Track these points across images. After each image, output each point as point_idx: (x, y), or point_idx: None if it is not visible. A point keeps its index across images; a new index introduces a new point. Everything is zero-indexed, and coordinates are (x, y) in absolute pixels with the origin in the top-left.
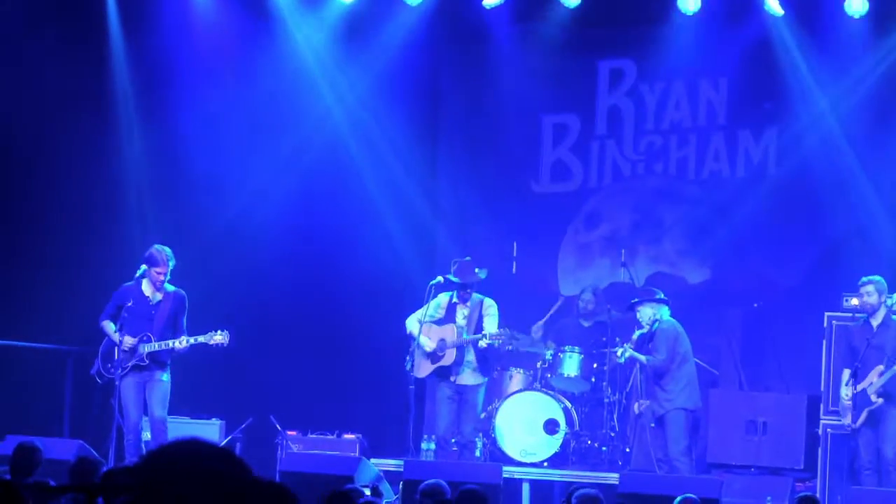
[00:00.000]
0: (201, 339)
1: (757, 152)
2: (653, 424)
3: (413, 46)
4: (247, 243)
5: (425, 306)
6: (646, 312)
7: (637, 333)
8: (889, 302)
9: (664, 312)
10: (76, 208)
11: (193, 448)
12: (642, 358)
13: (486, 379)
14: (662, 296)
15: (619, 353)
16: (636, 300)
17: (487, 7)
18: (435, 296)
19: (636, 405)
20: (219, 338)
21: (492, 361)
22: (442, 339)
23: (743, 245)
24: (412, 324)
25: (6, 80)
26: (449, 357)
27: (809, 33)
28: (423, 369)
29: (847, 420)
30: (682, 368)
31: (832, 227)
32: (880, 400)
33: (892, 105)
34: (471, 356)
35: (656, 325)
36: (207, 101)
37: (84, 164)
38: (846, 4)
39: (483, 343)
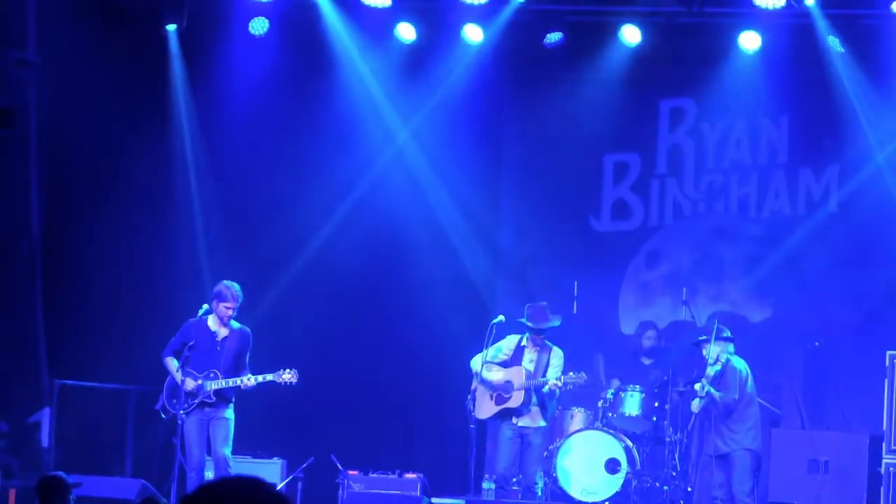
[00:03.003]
0: (270, 377)
1: (818, 190)
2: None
3: (475, 85)
4: (309, 283)
5: (490, 347)
6: (713, 350)
7: (713, 370)
8: None
9: (731, 350)
10: (138, 247)
11: (241, 486)
12: (717, 394)
13: (547, 423)
14: (729, 333)
15: (697, 388)
16: (703, 337)
17: (548, 46)
18: (497, 336)
19: (694, 403)
20: (287, 376)
21: (553, 405)
22: (509, 381)
23: (804, 283)
24: (476, 364)
25: (75, 133)
26: (516, 399)
27: (870, 71)
28: (487, 410)
29: None
30: (749, 408)
31: (894, 265)
32: None
33: None
34: (535, 399)
35: (725, 362)
36: (270, 142)
37: (149, 205)
38: None
39: (551, 386)
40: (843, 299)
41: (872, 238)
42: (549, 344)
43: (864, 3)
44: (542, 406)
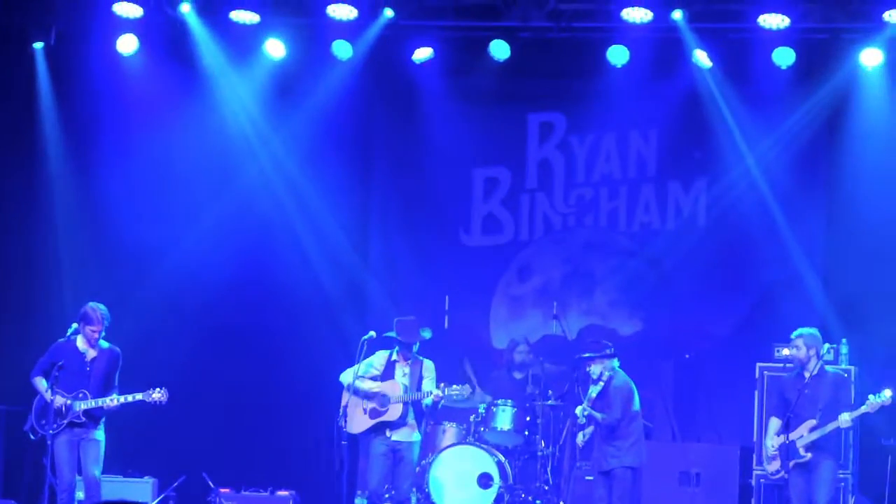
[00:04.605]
0: (139, 396)
1: (687, 203)
2: (590, 478)
3: (344, 101)
4: (178, 300)
5: (360, 363)
6: (595, 369)
7: (594, 390)
8: (823, 353)
9: (614, 365)
10: (5, 268)
11: None
12: (598, 416)
13: (421, 436)
14: (612, 350)
15: (578, 412)
16: (589, 354)
17: (417, 62)
18: (368, 351)
19: (581, 436)
20: (157, 395)
21: (425, 418)
22: (384, 395)
23: (674, 296)
24: (347, 378)
25: None
26: (393, 412)
27: (737, 84)
28: (360, 424)
29: (772, 467)
30: (631, 425)
31: (762, 277)
32: (808, 455)
33: (818, 154)
34: (412, 413)
35: (608, 380)
36: (139, 160)
37: (14, 223)
38: (774, 55)
39: (434, 397)
40: (713, 312)
41: (741, 250)
42: (420, 357)
43: (731, 17)
44: (417, 418)
